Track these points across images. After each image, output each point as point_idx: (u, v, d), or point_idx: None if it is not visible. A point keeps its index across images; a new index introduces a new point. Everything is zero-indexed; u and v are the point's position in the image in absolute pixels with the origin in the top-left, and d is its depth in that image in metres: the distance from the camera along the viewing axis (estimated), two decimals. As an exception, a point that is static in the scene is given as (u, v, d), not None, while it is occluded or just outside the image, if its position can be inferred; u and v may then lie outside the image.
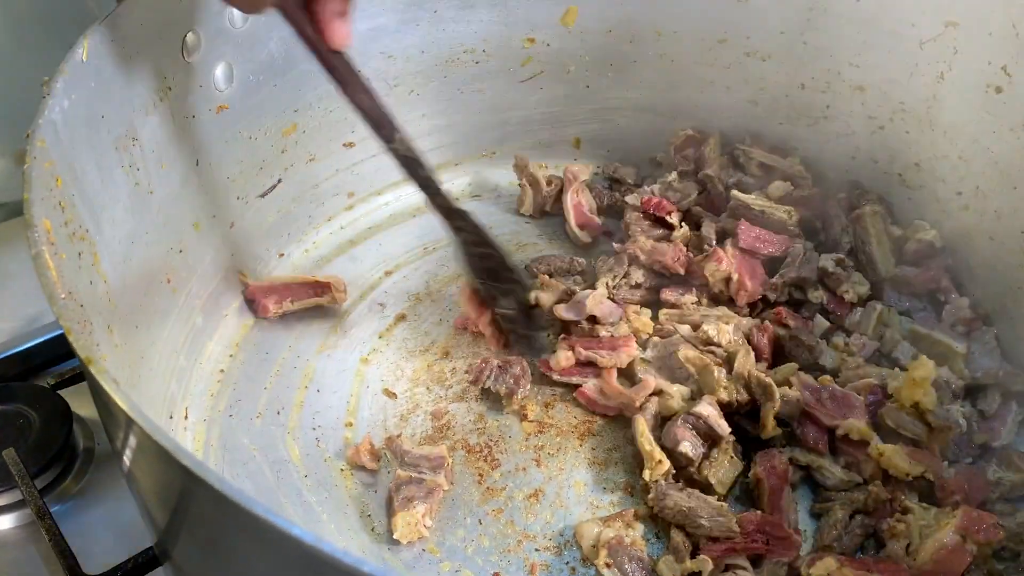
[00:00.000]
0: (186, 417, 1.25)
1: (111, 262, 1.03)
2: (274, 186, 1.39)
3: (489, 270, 1.30)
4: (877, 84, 1.42)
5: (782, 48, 1.48)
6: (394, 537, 1.11)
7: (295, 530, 0.58)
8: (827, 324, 1.34)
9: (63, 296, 0.80)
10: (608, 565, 1.07)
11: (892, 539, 1.06)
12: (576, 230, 1.51)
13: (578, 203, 1.53)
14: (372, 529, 1.15)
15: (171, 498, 0.78)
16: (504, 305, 1.31)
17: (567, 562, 1.13)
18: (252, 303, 1.37)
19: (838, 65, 1.45)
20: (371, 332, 1.38)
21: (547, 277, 1.42)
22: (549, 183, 1.56)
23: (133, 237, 1.09)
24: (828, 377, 1.21)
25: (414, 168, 1.21)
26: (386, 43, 1.46)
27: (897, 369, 1.24)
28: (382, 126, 1.16)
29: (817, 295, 1.35)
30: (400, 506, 1.12)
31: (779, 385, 1.17)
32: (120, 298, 1.04)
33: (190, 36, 1.15)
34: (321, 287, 1.37)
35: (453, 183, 1.61)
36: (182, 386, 1.26)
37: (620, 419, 1.28)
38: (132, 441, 0.75)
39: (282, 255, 1.47)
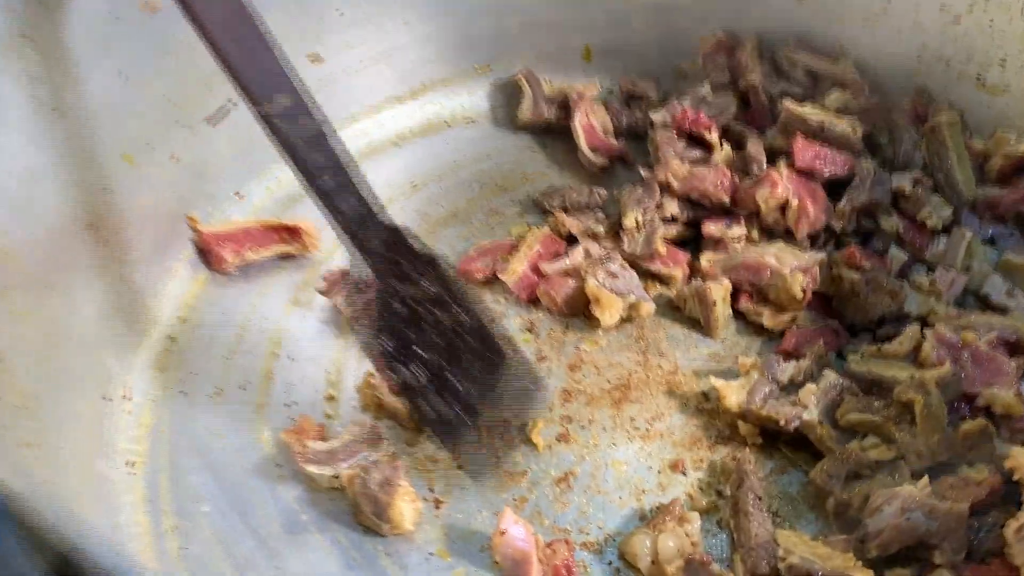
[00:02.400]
0: (127, 397, 1.01)
1: (6, 207, 0.78)
2: (225, 109, 1.14)
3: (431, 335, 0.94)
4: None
5: (832, -73, 1.23)
6: (405, 528, 0.92)
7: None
8: (904, 258, 1.11)
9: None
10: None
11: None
12: (588, 153, 1.26)
13: (589, 124, 1.29)
14: (366, 530, 0.92)
15: None
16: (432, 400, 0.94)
17: (609, 561, 0.91)
18: (205, 254, 1.14)
19: (902, -55, 1.20)
20: (352, 285, 1.13)
21: (563, 214, 1.18)
22: (553, 100, 1.32)
23: (35, 173, 0.85)
24: (972, 334, 0.99)
25: (308, 150, 0.88)
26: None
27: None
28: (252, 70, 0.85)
29: (892, 223, 1.13)
30: (387, 495, 0.91)
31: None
32: (23, 253, 0.80)
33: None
34: (289, 232, 1.16)
35: (442, 105, 1.36)
36: (121, 359, 1.02)
37: (663, 379, 1.05)
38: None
39: (240, 195, 1.22)
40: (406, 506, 0.91)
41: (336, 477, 0.94)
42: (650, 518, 0.93)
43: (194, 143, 1.13)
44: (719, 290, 1.07)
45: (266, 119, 0.86)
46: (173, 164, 1.10)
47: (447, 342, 0.94)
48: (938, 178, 1.17)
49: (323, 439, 0.97)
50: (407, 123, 1.34)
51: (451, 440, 0.95)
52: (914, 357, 1.00)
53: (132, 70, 0.99)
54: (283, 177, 1.25)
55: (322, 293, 1.10)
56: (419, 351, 0.94)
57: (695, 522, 0.91)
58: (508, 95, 1.37)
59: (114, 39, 0.96)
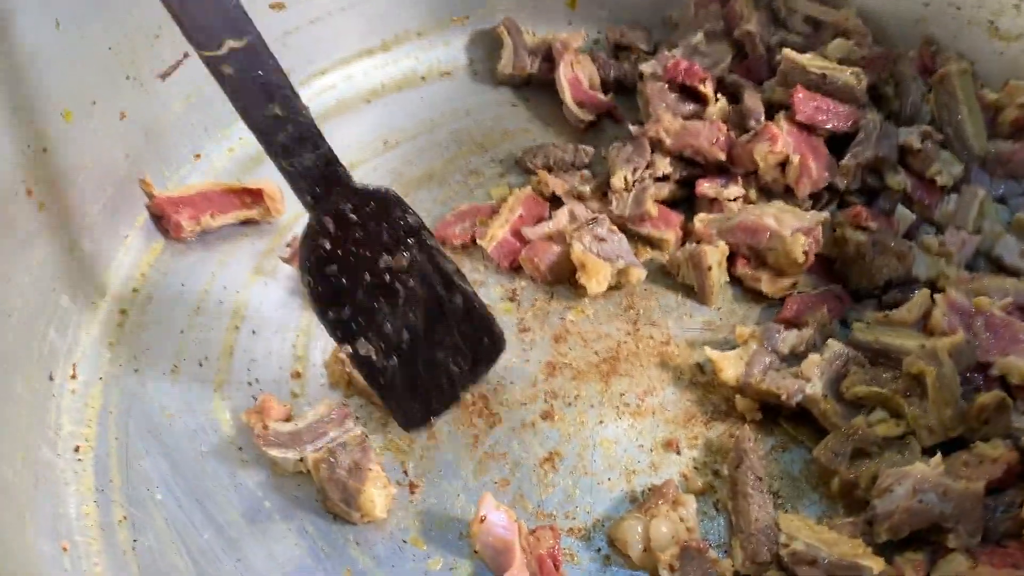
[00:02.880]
0: (74, 376, 0.93)
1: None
2: (179, 62, 1.06)
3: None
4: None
5: None
6: (376, 516, 0.85)
7: None
8: (912, 218, 1.04)
9: None
10: (673, 569, 0.78)
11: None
12: (574, 108, 1.18)
13: (574, 77, 1.20)
14: (335, 517, 0.85)
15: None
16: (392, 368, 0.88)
17: (598, 548, 0.84)
18: (160, 220, 1.05)
19: None
20: (320, 251, 1.05)
21: (546, 173, 1.10)
22: (535, 51, 1.23)
23: (-45, 127, 0.75)
24: (986, 299, 0.91)
25: (263, 101, 0.79)
26: None
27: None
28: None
29: (899, 180, 1.05)
30: (357, 480, 0.84)
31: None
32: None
33: None
34: (250, 196, 1.07)
35: (417, 58, 1.27)
36: (65, 335, 0.94)
37: (655, 351, 0.98)
38: None
39: (199, 156, 1.13)
40: (377, 492, 0.84)
41: (301, 461, 0.86)
42: (641, 501, 0.86)
43: (144, 99, 1.04)
44: (715, 254, 1.00)
45: (213, 65, 0.77)
46: (122, 122, 1.01)
47: (423, 317, 0.87)
48: (947, 132, 1.09)
49: (288, 419, 0.90)
50: (379, 77, 1.25)
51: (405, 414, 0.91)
52: (923, 324, 0.94)
53: (68, 18, 0.89)
54: (246, 137, 1.15)
55: (286, 261, 1.02)
56: (386, 325, 0.86)
57: (690, 505, 0.84)
58: (488, 47, 1.28)
59: (46, -18, 0.86)
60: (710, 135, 1.06)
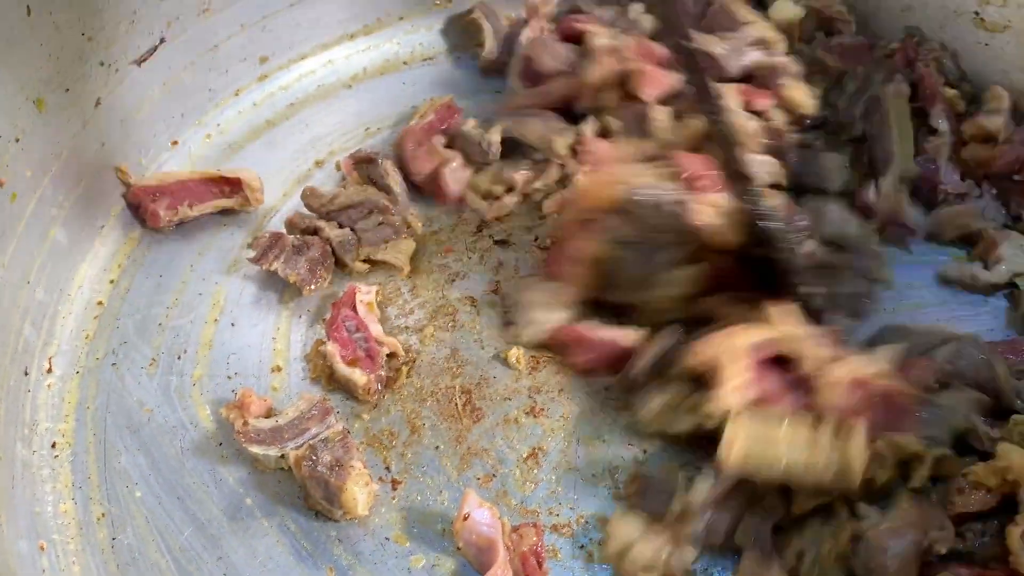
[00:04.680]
0: (49, 371, 0.92)
1: None
2: (155, 47, 1.05)
3: None
4: None
5: None
6: (359, 513, 0.84)
7: None
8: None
9: None
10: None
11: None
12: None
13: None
14: (317, 514, 0.84)
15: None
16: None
17: (581, 544, 0.84)
18: (138, 209, 1.03)
19: None
20: (301, 242, 1.03)
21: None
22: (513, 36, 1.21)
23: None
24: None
25: None
26: None
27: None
28: None
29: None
30: (339, 478, 0.83)
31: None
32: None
33: None
34: (229, 185, 1.05)
35: (399, 43, 1.25)
36: (40, 329, 0.93)
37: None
38: None
39: (176, 143, 1.11)
40: (359, 490, 0.83)
41: (283, 458, 0.86)
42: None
43: (120, 86, 1.01)
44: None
45: None
46: (97, 110, 0.99)
47: None
48: (876, 152, 1.07)
49: (268, 415, 0.89)
50: (361, 62, 1.22)
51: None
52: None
53: (40, 5, 0.87)
54: (224, 123, 1.15)
55: (253, 262, 0.99)
56: None
57: (688, 553, 0.80)
58: (471, 31, 1.26)
59: (16, -34, 0.83)
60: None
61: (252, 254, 0.99)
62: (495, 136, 1.06)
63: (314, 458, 0.84)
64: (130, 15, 0.99)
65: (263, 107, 1.17)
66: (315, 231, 1.01)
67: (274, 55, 1.17)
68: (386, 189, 1.05)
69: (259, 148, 1.13)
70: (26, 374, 0.90)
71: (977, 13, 1.13)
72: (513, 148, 1.08)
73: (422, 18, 1.26)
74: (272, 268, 0.97)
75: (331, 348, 0.92)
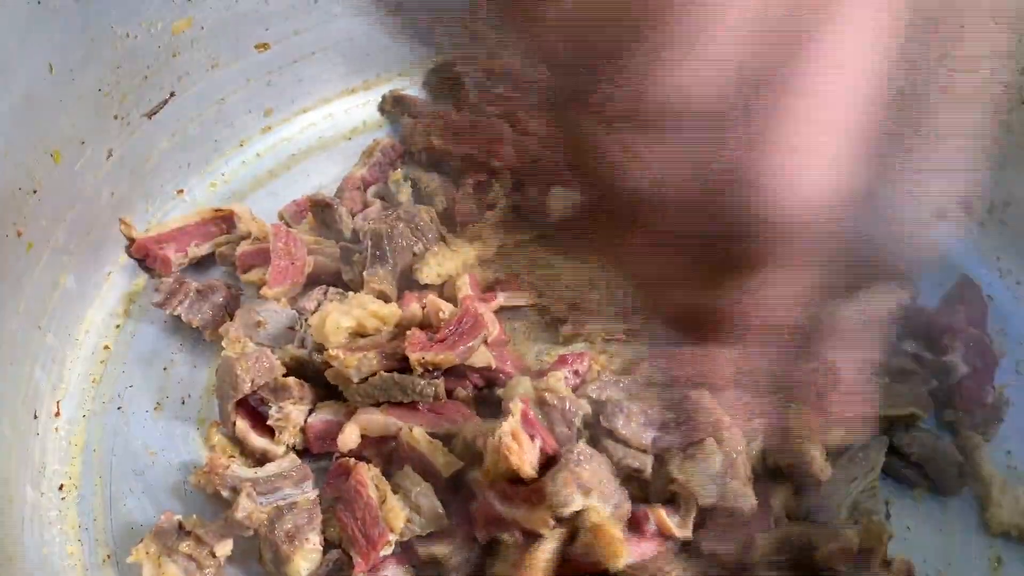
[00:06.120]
0: (58, 414, 0.94)
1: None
2: (165, 101, 1.08)
3: None
4: None
5: None
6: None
7: None
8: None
9: None
10: None
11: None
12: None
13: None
14: (316, 558, 0.87)
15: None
16: None
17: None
18: (144, 259, 1.05)
19: None
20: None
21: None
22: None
23: (-47, 176, 0.76)
24: None
25: None
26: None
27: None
28: None
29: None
30: (290, 547, 0.82)
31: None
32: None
33: None
34: (225, 221, 1.08)
35: (397, 97, 1.29)
36: (50, 372, 0.96)
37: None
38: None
39: (182, 192, 1.15)
40: (305, 563, 0.82)
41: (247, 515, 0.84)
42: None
43: (131, 138, 1.05)
44: None
45: None
46: (108, 161, 1.02)
47: None
48: None
49: (261, 461, 0.90)
50: (360, 115, 1.26)
51: None
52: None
53: (61, 61, 0.91)
54: (228, 172, 1.19)
55: (157, 306, 1.00)
56: None
57: None
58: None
59: (39, 26, 0.87)
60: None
61: (158, 298, 1.00)
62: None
63: (275, 521, 0.83)
64: (144, 70, 1.03)
65: (266, 157, 1.21)
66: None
67: (278, 108, 1.22)
68: (337, 235, 1.06)
69: (262, 197, 1.16)
70: (35, 417, 0.92)
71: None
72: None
73: (421, 75, 1.31)
74: (176, 312, 0.99)
75: (244, 428, 0.90)
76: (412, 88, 1.29)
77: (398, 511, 0.81)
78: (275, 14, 1.16)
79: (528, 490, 0.77)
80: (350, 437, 0.86)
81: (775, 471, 0.85)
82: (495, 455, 0.78)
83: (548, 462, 0.79)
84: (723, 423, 0.84)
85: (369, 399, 0.88)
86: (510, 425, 0.78)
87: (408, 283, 1.00)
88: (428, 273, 0.99)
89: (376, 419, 0.87)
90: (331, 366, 0.88)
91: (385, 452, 0.88)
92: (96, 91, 0.97)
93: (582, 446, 0.79)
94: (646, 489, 0.84)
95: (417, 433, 0.85)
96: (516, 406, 0.79)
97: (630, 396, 0.87)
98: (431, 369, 0.89)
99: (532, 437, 0.79)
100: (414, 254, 1.01)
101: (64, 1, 0.90)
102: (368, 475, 0.84)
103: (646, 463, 0.82)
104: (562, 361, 0.93)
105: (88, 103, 0.97)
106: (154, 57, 1.04)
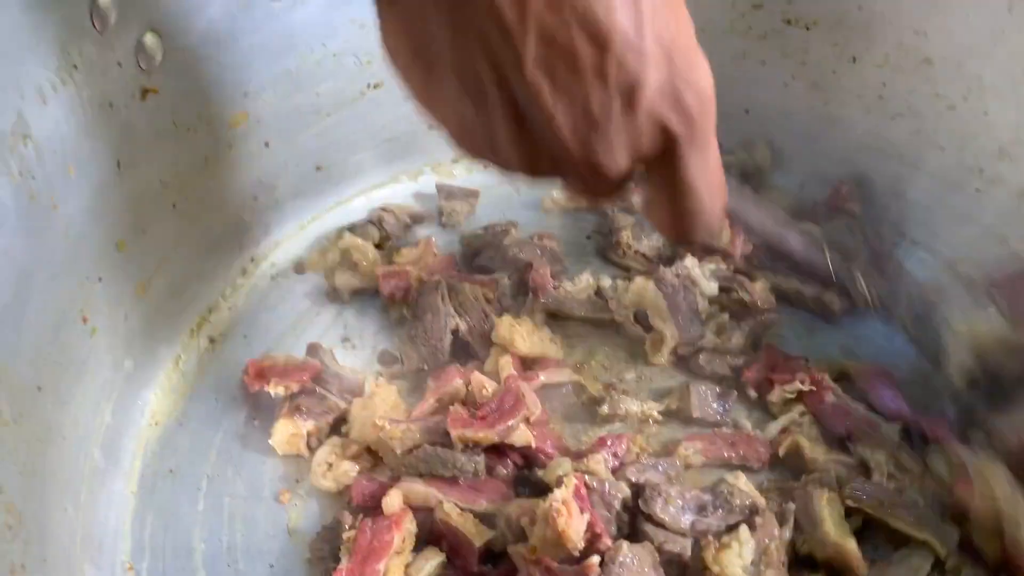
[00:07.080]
0: (113, 492, 0.98)
1: (-1, 316, 0.76)
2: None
3: None
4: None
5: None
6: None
7: None
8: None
9: None
10: None
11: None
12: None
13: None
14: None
15: None
16: None
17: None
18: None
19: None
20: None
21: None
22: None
23: (29, 271, 0.82)
24: None
25: None
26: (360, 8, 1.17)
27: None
28: None
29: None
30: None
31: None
32: (13, 360, 0.78)
33: (102, -2, 0.87)
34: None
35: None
36: (107, 451, 0.99)
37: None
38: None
39: (245, 272, 1.22)
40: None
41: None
42: None
43: (190, 227, 1.10)
44: None
45: None
46: (167, 246, 1.08)
47: None
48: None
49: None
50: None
51: None
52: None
53: (127, 157, 0.96)
54: (278, 257, 1.24)
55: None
56: None
57: None
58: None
59: (108, 127, 0.93)
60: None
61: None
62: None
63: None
64: (199, 163, 1.09)
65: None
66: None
67: (325, 196, 1.28)
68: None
69: (310, 279, 1.23)
70: (92, 494, 0.96)
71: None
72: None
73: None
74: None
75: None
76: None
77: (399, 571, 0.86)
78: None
79: (573, 571, 0.79)
80: (395, 501, 0.89)
81: (809, 561, 0.86)
82: (544, 524, 0.80)
83: (593, 538, 0.81)
84: (759, 506, 0.86)
85: (412, 470, 0.92)
86: (562, 494, 0.81)
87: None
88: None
89: (418, 489, 0.91)
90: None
91: (419, 521, 0.91)
92: (158, 182, 1.03)
93: (626, 547, 0.80)
94: (685, 571, 0.85)
95: (448, 507, 0.89)
96: (569, 479, 0.82)
97: (668, 479, 0.89)
98: (472, 445, 0.92)
99: (581, 511, 0.81)
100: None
101: (130, 102, 0.95)
102: (406, 526, 0.88)
103: (686, 547, 0.84)
104: (601, 443, 0.95)
105: (150, 195, 1.01)
106: (210, 148, 1.10)
